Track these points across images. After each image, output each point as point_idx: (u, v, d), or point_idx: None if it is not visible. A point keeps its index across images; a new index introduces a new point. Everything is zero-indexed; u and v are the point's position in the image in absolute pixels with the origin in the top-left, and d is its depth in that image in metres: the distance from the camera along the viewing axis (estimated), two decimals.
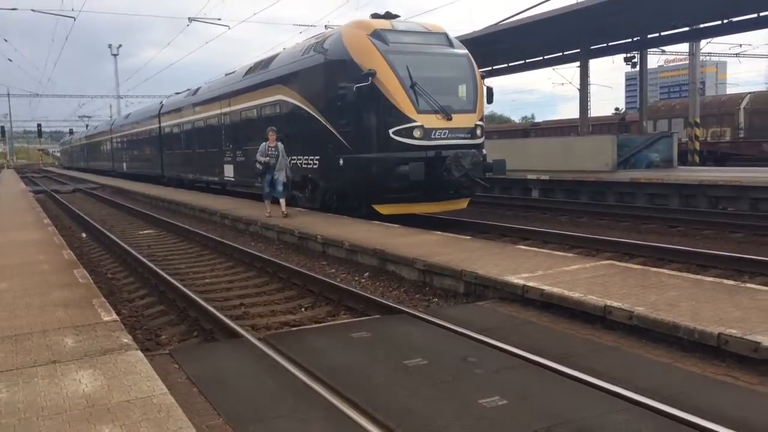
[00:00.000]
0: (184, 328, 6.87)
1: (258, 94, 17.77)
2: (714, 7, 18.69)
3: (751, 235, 11.80)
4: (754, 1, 18.21)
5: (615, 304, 5.66)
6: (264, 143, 13.31)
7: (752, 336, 4.63)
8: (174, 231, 14.90)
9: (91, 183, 36.80)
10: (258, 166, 13.58)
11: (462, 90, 13.40)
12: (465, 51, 13.87)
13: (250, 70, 19.23)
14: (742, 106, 30.72)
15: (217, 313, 6.65)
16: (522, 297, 6.58)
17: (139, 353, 4.68)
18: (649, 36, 22.87)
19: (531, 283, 6.58)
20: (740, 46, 48.60)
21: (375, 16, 14.19)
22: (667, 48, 39.72)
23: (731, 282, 6.64)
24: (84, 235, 15.12)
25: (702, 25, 21.31)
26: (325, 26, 27.73)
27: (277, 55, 17.86)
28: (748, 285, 6.48)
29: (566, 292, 6.17)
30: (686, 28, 21.59)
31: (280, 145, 13.33)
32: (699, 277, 6.95)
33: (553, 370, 4.61)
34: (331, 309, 7.37)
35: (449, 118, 12.62)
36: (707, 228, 12.68)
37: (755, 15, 19.40)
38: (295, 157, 15.13)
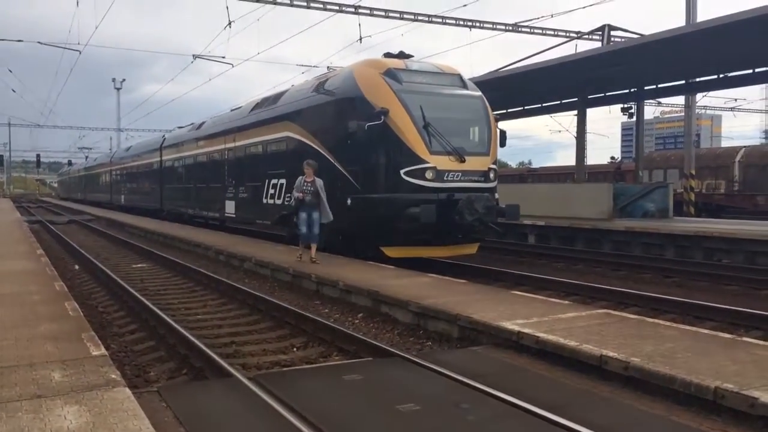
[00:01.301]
0: (174, 365, 6.77)
1: (264, 130, 17.54)
2: (710, 61, 19.05)
3: (746, 287, 11.79)
4: (749, 58, 18.56)
5: (611, 354, 5.60)
6: (300, 178, 12.24)
7: (749, 391, 4.57)
8: (167, 265, 14.81)
9: (86, 214, 36.74)
10: (291, 201, 12.87)
11: (476, 132, 13.22)
12: (479, 93, 13.71)
13: (257, 106, 19.05)
14: (737, 159, 31.05)
15: (208, 351, 6.56)
16: (517, 343, 6.52)
17: (127, 390, 4.59)
18: (645, 87, 23.23)
19: (526, 330, 6.52)
20: (735, 100, 49.47)
21: (388, 55, 14.04)
22: (663, 100, 40.36)
23: (727, 335, 6.60)
24: (77, 266, 15.02)
25: (698, 79, 21.68)
26: (328, 67, 28.09)
27: (285, 91, 17.72)
28: (745, 339, 6.43)
29: (562, 340, 6.11)
30: (682, 81, 21.96)
31: (319, 181, 12.10)
32: (695, 329, 6.90)
33: (546, 419, 4.53)
34: (323, 350, 7.28)
35: (462, 160, 12.39)
36: (702, 279, 12.67)
37: (750, 71, 19.77)
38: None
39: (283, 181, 16.04)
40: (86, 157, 72.76)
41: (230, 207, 20.18)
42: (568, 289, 11.11)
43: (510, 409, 4.78)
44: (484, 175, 12.81)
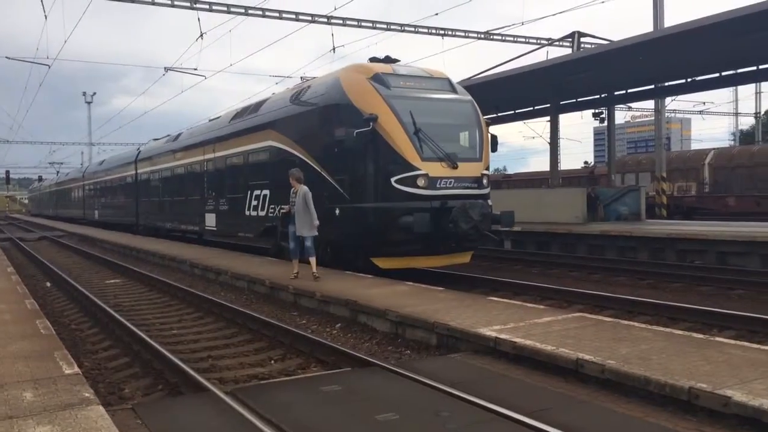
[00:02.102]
0: (149, 381, 6.67)
1: (245, 139, 16.98)
2: (678, 66, 19.39)
3: (718, 288, 11.97)
4: (715, 62, 18.94)
5: (587, 357, 5.65)
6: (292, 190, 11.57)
7: (722, 390, 4.63)
8: (142, 280, 14.63)
9: (58, 231, 36.18)
10: (277, 213, 12.24)
11: (467, 137, 12.85)
12: (469, 97, 13.33)
13: (237, 115, 18.46)
14: (706, 161, 31.60)
15: (183, 366, 6.48)
16: (494, 349, 6.54)
17: (101, 408, 4.51)
18: (615, 93, 23.57)
19: (503, 336, 6.55)
20: (704, 103, 50.39)
21: (374, 60, 13.65)
22: (633, 104, 40.97)
23: (701, 335, 6.69)
24: (48, 284, 14.76)
25: (667, 83, 22.06)
26: (301, 77, 28.06)
27: (266, 99, 17.16)
28: (718, 339, 6.52)
29: (538, 345, 6.14)
30: (652, 86, 22.32)
31: (304, 190, 11.22)
32: (669, 330, 6.99)
33: (525, 425, 4.54)
34: (301, 361, 7.23)
35: (455, 167, 11.99)
36: (676, 281, 12.84)
37: (717, 75, 20.16)
38: (284, 207, 14.24)
39: (266, 192, 15.55)
40: (57, 172, 71.65)
41: (210, 220, 19.63)
42: (545, 294, 11.19)
43: (489, 416, 4.79)
44: (478, 182, 12.46)
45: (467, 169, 12.25)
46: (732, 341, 6.38)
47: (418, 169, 11.69)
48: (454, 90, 13.29)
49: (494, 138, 13.52)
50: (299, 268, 11.56)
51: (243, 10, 23.02)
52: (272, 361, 7.31)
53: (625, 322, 7.37)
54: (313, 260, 11.23)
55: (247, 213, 16.60)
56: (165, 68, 28.90)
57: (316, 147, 13.36)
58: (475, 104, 13.20)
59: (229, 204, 18.06)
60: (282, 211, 11.60)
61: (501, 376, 5.95)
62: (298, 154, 13.98)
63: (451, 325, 7.20)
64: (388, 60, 13.62)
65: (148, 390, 6.38)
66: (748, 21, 14.26)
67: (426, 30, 26.91)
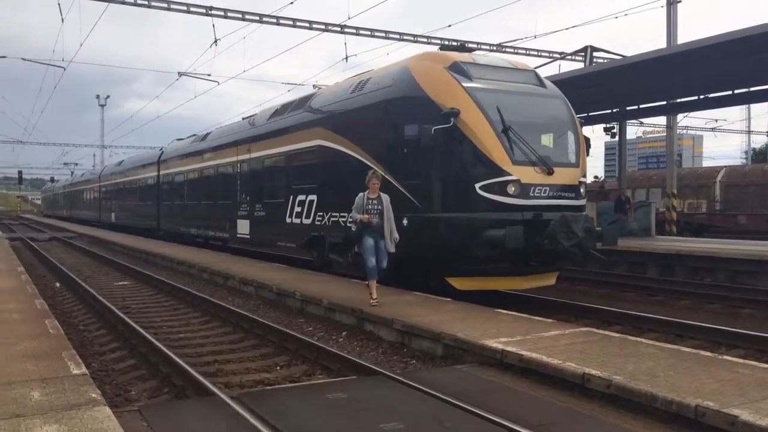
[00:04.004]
0: (155, 383, 6.70)
1: (288, 138, 15.26)
2: (690, 83, 19.35)
3: (727, 306, 11.89)
4: (728, 79, 18.89)
5: (593, 372, 5.63)
6: (361, 194, 9.50)
7: (729, 409, 4.60)
8: (150, 283, 14.69)
9: (69, 232, 36.40)
10: (351, 226, 9.80)
11: (563, 139, 11.18)
12: (560, 93, 11.71)
13: (277, 113, 16.77)
14: (718, 179, 31.47)
15: (189, 369, 6.51)
16: (501, 362, 6.52)
17: (107, 409, 4.54)
18: (628, 108, 23.53)
19: (510, 348, 6.54)
20: (716, 120, 50.21)
21: (446, 48, 12.03)
22: (645, 120, 40.87)
23: (708, 353, 6.65)
24: (58, 284, 14.85)
25: (679, 100, 22.01)
26: (314, 86, 28.20)
27: (312, 95, 15.56)
28: (725, 357, 6.48)
29: (545, 358, 6.13)
30: (664, 102, 22.28)
31: (386, 198, 9.51)
32: (677, 347, 6.95)
33: None
34: (307, 368, 7.25)
35: (550, 172, 10.31)
36: (684, 298, 12.77)
37: (730, 92, 20.11)
38: (336, 214, 12.75)
39: (313, 197, 13.85)
40: (72, 173, 72.03)
41: (243, 227, 17.85)
42: (552, 308, 11.14)
43: (494, 428, 4.78)
44: (575, 191, 10.75)
45: (564, 176, 10.59)
46: (740, 360, 6.34)
47: (509, 174, 10.02)
48: (542, 84, 11.70)
49: (587, 140, 11.80)
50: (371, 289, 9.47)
51: (257, 18, 23.18)
52: (278, 367, 7.32)
53: (633, 338, 7.34)
54: (373, 283, 9.45)
55: (288, 220, 14.94)
56: (179, 73, 29.16)
57: (377, 146, 11.74)
58: (568, 102, 11.65)
59: (267, 210, 16.45)
60: (359, 220, 9.32)
61: (507, 389, 5.93)
62: (354, 155, 12.32)
63: (458, 336, 7.19)
64: (463, 48, 11.96)
65: (154, 392, 6.41)
66: (760, 39, 14.23)
67: (439, 41, 26.94)
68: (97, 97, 73.52)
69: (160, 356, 7.33)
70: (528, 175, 10.19)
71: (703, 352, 6.66)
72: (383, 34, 25.65)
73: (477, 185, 10.06)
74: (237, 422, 4.94)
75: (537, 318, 8.47)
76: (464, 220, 10.15)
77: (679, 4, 23.06)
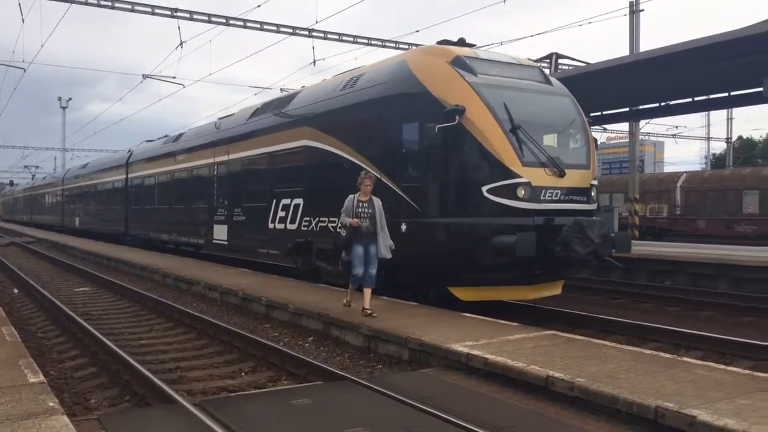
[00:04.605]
0: (116, 391, 6.56)
1: (271, 139, 14.41)
2: (652, 90, 19.76)
3: (687, 309, 12.13)
4: (688, 87, 19.35)
5: (557, 374, 5.68)
6: (351, 197, 9.02)
7: (688, 410, 4.69)
8: (112, 289, 14.42)
9: (28, 237, 35.56)
10: (341, 231, 9.32)
11: (572, 139, 10.67)
12: (567, 90, 11.18)
13: (258, 112, 15.94)
14: (678, 184, 32.16)
15: (151, 376, 6.39)
16: (466, 365, 6.55)
17: (65, 418, 4.43)
18: (591, 114, 23.89)
19: (475, 352, 6.57)
20: (677, 127, 51.27)
21: (444, 42, 11.31)
22: (608, 126, 41.57)
23: (668, 355, 6.77)
24: (16, 290, 14.48)
25: (641, 107, 22.46)
26: (281, 89, 28.06)
27: (297, 92, 14.78)
28: (685, 359, 6.61)
29: (509, 362, 6.17)
30: (626, 109, 22.70)
31: (377, 202, 9.04)
32: (638, 349, 7.07)
33: None
34: (272, 374, 7.18)
35: (561, 175, 9.70)
36: (647, 301, 13.00)
37: (690, 99, 20.59)
38: (325, 219, 12.00)
39: (299, 201, 13.10)
40: (33, 176, 70.29)
41: (220, 232, 16.94)
42: (517, 312, 11.23)
43: None
44: (587, 194, 10.19)
45: (575, 178, 10.02)
46: (699, 362, 6.48)
47: (519, 176, 9.36)
48: (548, 81, 11.10)
49: (595, 141, 11.23)
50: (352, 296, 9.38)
51: (224, 20, 22.99)
52: (243, 374, 7.24)
53: (596, 341, 7.43)
54: (368, 292, 8.94)
55: (270, 225, 14.12)
56: (143, 75, 28.75)
57: (372, 147, 11.04)
58: (575, 99, 11.11)
59: (247, 214, 15.58)
60: (348, 225, 8.86)
61: (472, 392, 5.96)
62: (345, 156, 11.59)
63: (424, 340, 7.20)
64: (462, 43, 11.26)
65: (114, 401, 6.28)
66: (720, 48, 14.61)
67: (407, 46, 27.09)
68: (59, 99, 71.98)
69: (121, 363, 7.19)
70: (538, 177, 9.56)
71: (663, 354, 6.79)
72: (351, 39, 25.67)
73: (484, 188, 9.40)
74: (199, 429, 4.87)
75: (502, 322, 8.53)
76: (470, 226, 9.45)
77: (642, 13, 23.56)
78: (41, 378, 5.43)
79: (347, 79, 12.48)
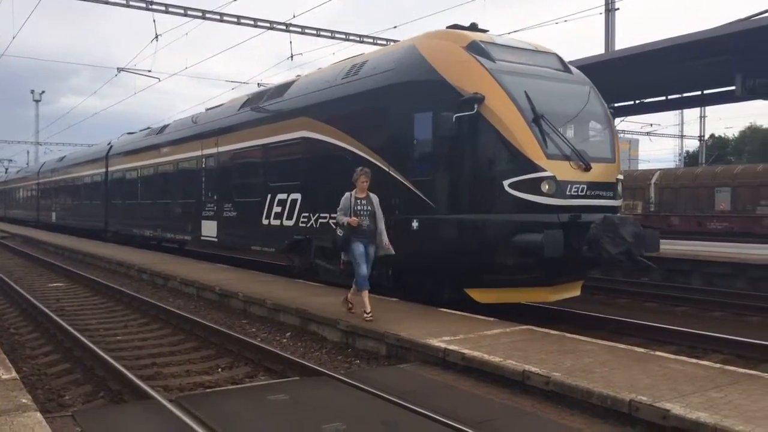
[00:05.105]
0: (90, 388, 6.49)
1: (265, 130, 13.67)
2: (627, 88, 19.99)
3: (663, 304, 12.31)
4: (663, 86, 19.61)
5: (533, 369, 5.74)
6: (348, 194, 8.52)
7: (661, 403, 4.76)
8: (86, 284, 14.25)
9: (1, 232, 34.96)
10: (338, 230, 8.68)
11: (596, 130, 10.11)
12: (588, 79, 10.59)
13: (250, 102, 15.18)
14: (652, 181, 32.60)
15: (126, 373, 6.33)
16: (443, 360, 6.58)
17: (38, 415, 4.37)
18: None
19: (452, 347, 6.60)
20: (651, 125, 51.92)
21: (455, 27, 10.63)
22: None
23: (642, 350, 6.86)
24: None
25: (616, 104, 22.70)
26: (258, 84, 27.90)
27: (292, 81, 14.02)
28: (658, 353, 6.70)
29: (486, 356, 6.21)
30: None
31: (375, 198, 8.56)
32: (612, 344, 7.15)
33: None
34: (249, 370, 7.15)
35: (587, 168, 9.12)
36: (623, 296, 13.16)
37: (664, 98, 20.87)
38: (325, 215, 11.31)
39: (296, 196, 12.39)
40: (6, 170, 68.93)
41: (209, 228, 16.13)
42: (495, 308, 11.29)
43: (436, 427, 4.81)
44: (613, 189, 9.62)
45: (601, 172, 9.43)
46: (672, 356, 6.57)
47: (543, 170, 8.75)
48: (568, 69, 10.47)
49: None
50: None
51: (200, 14, 22.76)
52: (219, 369, 7.20)
53: (571, 336, 7.50)
54: (366, 294, 8.42)
55: (265, 222, 13.42)
56: (118, 69, 28.29)
57: (378, 138, 10.37)
58: (596, 89, 10.53)
59: (238, 210, 14.81)
60: (346, 224, 8.33)
61: (449, 387, 5.99)
62: (348, 148, 10.89)
63: (402, 336, 7.22)
64: (474, 28, 10.58)
65: (89, 397, 6.21)
66: (693, 48, 14.82)
67: (385, 42, 27.07)
68: (32, 92, 70.70)
69: (96, 359, 7.11)
70: (563, 171, 8.94)
71: (637, 349, 6.88)
72: (329, 34, 25.57)
73: (505, 182, 8.76)
74: (175, 426, 4.83)
75: (479, 317, 8.58)
76: (491, 223, 8.86)
77: (617, 12, 23.79)
78: (14, 374, 5.35)
79: (349, 66, 11.84)
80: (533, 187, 8.72)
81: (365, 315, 8.16)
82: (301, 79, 13.82)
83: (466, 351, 6.42)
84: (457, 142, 9.07)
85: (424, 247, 9.38)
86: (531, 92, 9.07)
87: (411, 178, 9.64)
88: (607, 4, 23.58)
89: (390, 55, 10.93)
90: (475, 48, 9.48)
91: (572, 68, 10.62)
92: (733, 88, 16.49)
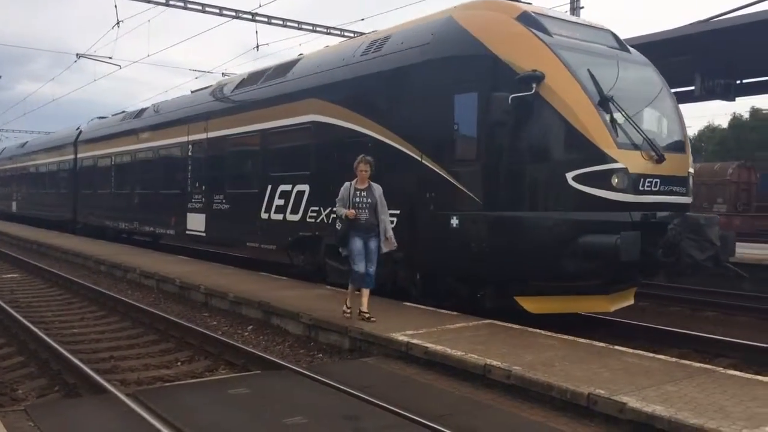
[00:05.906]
0: (45, 381, 6.34)
1: (265, 114, 12.27)
2: None
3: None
4: None
5: (494, 363, 5.78)
6: (347, 184, 7.78)
7: (619, 397, 4.84)
8: (42, 276, 13.90)
9: None
10: (337, 223, 7.98)
11: (666, 117, 8.90)
12: (647, 60, 9.44)
13: (244, 83, 13.75)
14: None
15: (82, 366, 6.19)
16: (406, 354, 6.59)
17: None
18: None
19: (415, 341, 6.61)
20: None
21: None
22: None
23: (602, 344, 6.96)
24: None
25: None
26: (223, 73, 27.49)
27: (297, 60, 12.59)
28: (616, 347, 6.81)
29: (448, 350, 6.24)
30: None
31: (377, 189, 7.74)
32: (573, 338, 7.23)
33: (432, 429, 4.59)
34: (210, 363, 7.06)
35: (660, 160, 7.93)
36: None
37: None
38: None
39: (303, 187, 11.07)
40: None
41: (196, 222, 14.73)
42: (459, 304, 11.32)
43: (398, 420, 4.81)
44: (685, 184, 8.49)
45: (674, 165, 8.24)
46: (630, 350, 6.67)
47: (614, 161, 7.59)
48: (625, 48, 9.26)
49: None
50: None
51: (164, 0, 22.33)
52: (179, 363, 7.10)
53: (532, 330, 7.57)
54: (366, 293, 7.74)
55: (264, 216, 12.04)
56: (77, 55, 27.56)
57: (408, 122, 9.12)
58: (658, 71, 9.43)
59: (231, 202, 13.41)
60: (344, 216, 7.63)
61: (411, 381, 6.00)
62: (369, 133, 9.66)
63: (365, 330, 7.21)
64: None
65: (43, 391, 6.07)
66: (654, 47, 15.05)
67: (352, 34, 26.94)
68: None
69: (51, 352, 6.95)
70: (635, 162, 7.78)
71: (596, 343, 6.97)
72: (296, 25, 25.33)
73: (568, 175, 7.60)
74: (131, 420, 4.74)
75: (443, 311, 8.61)
76: (552, 222, 7.69)
77: (582, 10, 24.09)
78: None
79: (367, 42, 10.58)
80: (602, 180, 7.59)
81: (360, 315, 7.60)
82: (305, 58, 12.52)
83: (428, 345, 6.44)
84: (509, 126, 7.88)
85: (465, 249, 8.23)
86: (595, 72, 7.98)
87: (450, 168, 8.44)
88: (572, 2, 23.87)
89: (422, 28, 9.56)
90: (527, 19, 8.29)
91: (629, 47, 9.46)
92: (692, 88, 16.81)
